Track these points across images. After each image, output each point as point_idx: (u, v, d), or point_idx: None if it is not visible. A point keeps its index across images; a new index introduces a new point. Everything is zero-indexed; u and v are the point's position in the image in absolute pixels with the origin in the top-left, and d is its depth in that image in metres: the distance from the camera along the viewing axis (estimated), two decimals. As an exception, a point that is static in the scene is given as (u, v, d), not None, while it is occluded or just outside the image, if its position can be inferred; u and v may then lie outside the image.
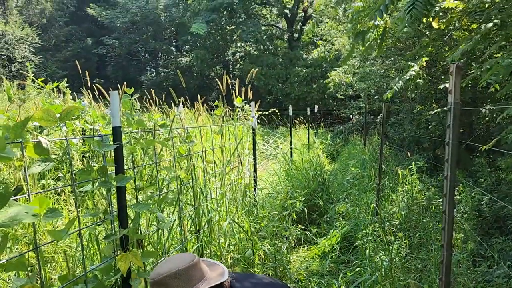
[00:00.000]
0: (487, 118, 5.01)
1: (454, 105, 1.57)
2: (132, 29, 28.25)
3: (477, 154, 4.79)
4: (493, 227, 3.85)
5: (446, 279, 1.58)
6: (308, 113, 9.67)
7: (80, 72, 4.52)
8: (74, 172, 1.57)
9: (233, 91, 4.23)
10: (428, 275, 3.26)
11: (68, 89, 5.29)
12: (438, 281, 1.72)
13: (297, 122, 12.24)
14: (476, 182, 4.65)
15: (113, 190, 1.78)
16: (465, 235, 3.87)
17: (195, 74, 26.75)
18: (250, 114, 4.43)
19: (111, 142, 1.74)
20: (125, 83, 2.38)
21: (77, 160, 4.11)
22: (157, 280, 1.37)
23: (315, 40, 20.71)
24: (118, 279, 1.82)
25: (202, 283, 1.41)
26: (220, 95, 3.87)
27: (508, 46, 3.93)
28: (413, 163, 5.37)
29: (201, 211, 3.12)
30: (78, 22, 30.66)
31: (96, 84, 3.90)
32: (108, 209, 1.75)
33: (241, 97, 4.12)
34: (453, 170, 1.55)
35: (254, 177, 4.39)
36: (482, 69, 3.01)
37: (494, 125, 5.02)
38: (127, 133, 2.13)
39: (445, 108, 5.19)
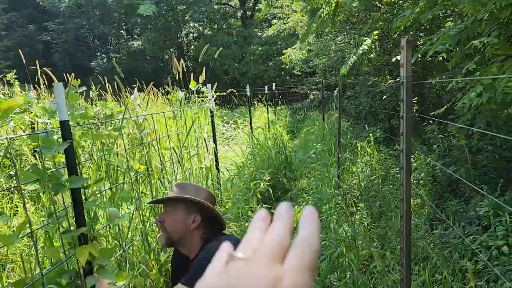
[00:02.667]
0: (437, 87, 5.20)
1: (406, 79, 1.58)
2: (77, 13, 26.78)
3: (430, 122, 4.98)
4: (447, 190, 4.03)
5: (406, 248, 1.64)
6: (266, 92, 9.64)
7: (24, 61, 4.23)
8: (20, 172, 1.48)
9: (191, 74, 4.12)
10: (389, 242, 3.40)
11: (16, 80, 4.95)
12: (399, 249, 1.79)
13: (255, 101, 12.20)
14: (430, 149, 4.84)
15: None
16: (422, 201, 4.05)
17: (148, 58, 25.90)
18: (207, 96, 4.34)
19: (56, 137, 1.64)
20: (73, 74, 2.24)
21: (29, 156, 3.89)
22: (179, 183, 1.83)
23: (269, 18, 20.55)
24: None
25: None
26: (174, 79, 3.76)
27: (454, 16, 4.05)
28: (370, 134, 5.52)
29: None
30: (18, 8, 28.61)
31: (42, 74, 3.67)
32: (53, 208, 1.66)
33: (197, 81, 4.03)
34: (408, 143, 1.58)
35: (215, 160, 4.35)
36: (431, 40, 3.09)
37: (444, 93, 5.23)
38: (74, 126, 2.01)
39: (398, 79, 5.34)
